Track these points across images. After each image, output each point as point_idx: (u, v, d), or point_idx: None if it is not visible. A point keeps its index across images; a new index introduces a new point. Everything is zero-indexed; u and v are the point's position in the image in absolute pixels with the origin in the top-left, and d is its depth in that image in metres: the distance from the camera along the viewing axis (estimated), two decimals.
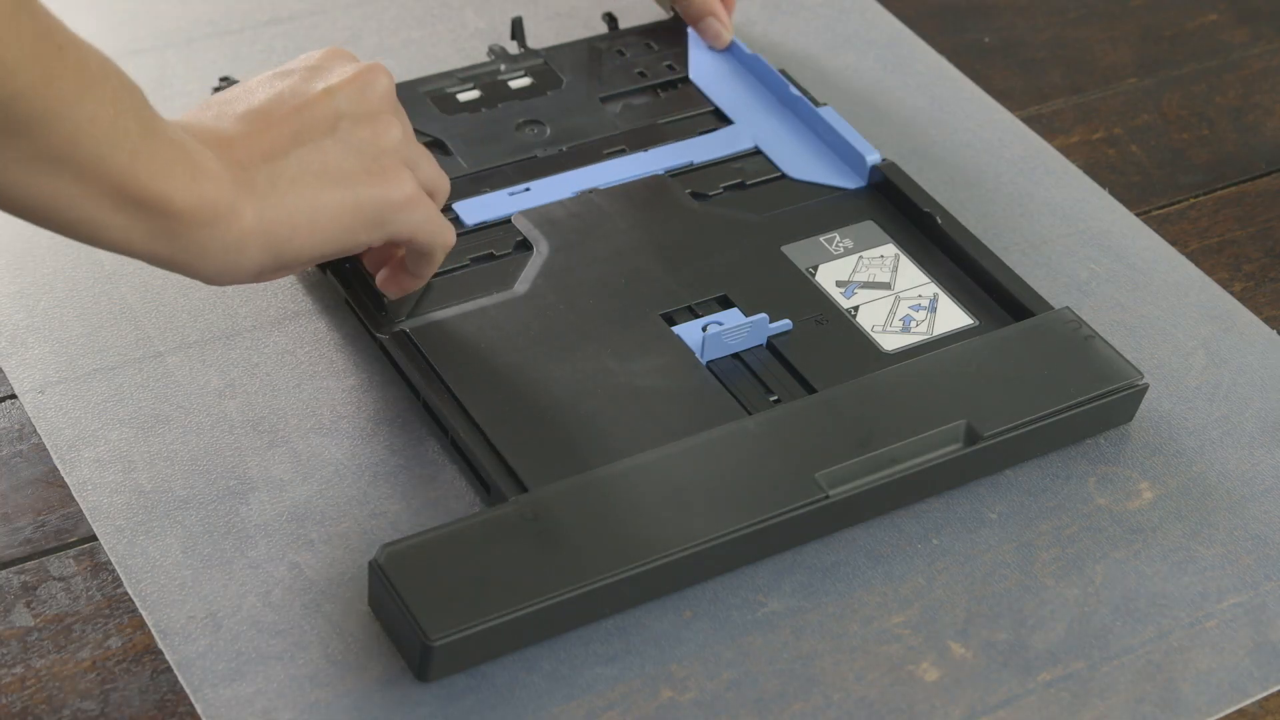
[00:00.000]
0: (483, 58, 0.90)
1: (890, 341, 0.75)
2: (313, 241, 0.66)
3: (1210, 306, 0.81)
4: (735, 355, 0.74)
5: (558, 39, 0.91)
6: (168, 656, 0.63)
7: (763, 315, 0.74)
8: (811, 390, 0.73)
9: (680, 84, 0.89)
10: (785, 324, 0.75)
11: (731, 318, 0.75)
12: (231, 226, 0.63)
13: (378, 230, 0.68)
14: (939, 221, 0.80)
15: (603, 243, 0.79)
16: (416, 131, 0.84)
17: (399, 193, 0.68)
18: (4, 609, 0.65)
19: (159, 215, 0.61)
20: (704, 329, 0.73)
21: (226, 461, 0.70)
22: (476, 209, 0.80)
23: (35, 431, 0.71)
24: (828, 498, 0.67)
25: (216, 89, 0.83)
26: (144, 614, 0.65)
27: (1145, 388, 0.73)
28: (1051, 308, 0.75)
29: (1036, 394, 0.71)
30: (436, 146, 0.84)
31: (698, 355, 0.73)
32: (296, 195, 0.65)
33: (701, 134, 0.86)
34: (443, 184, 0.72)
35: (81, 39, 0.59)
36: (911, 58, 0.94)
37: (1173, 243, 0.84)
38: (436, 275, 0.76)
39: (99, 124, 0.58)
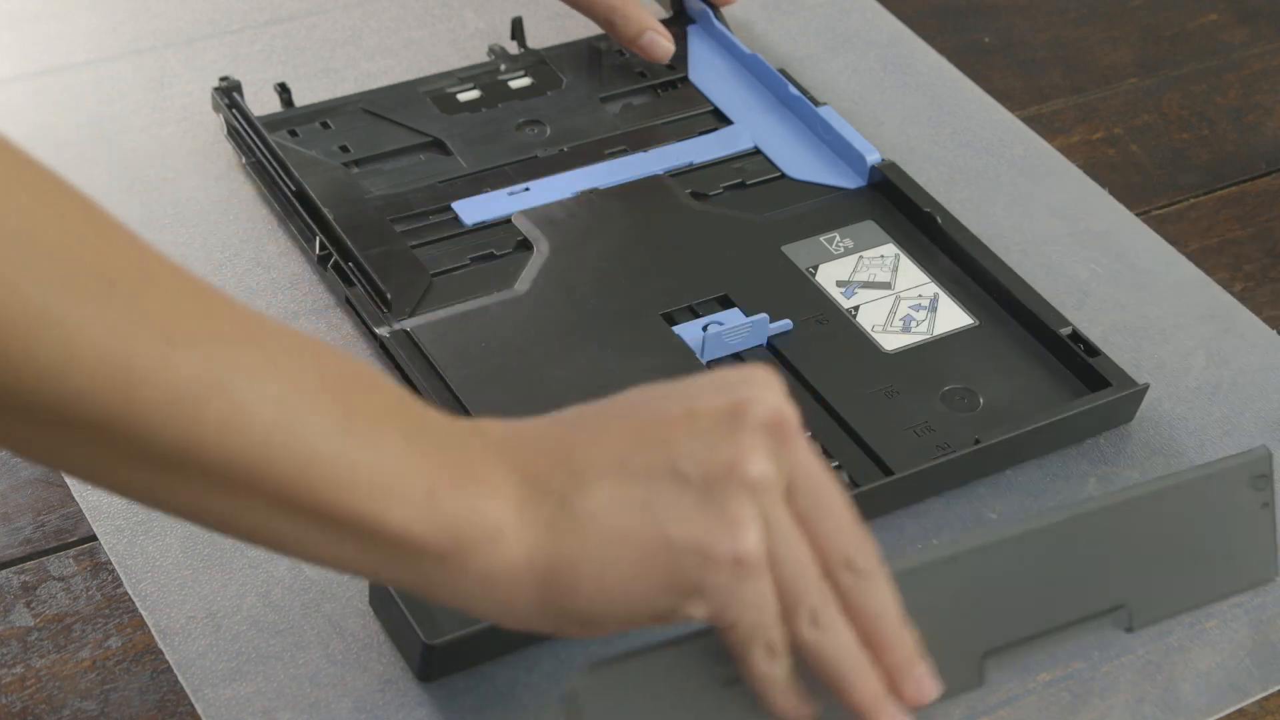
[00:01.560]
0: (483, 58, 0.90)
1: (890, 341, 0.75)
2: (601, 598, 0.50)
3: (1210, 306, 0.81)
4: (736, 355, 0.74)
5: (558, 39, 0.91)
6: (168, 656, 0.63)
7: (763, 315, 0.74)
8: (812, 390, 0.73)
9: (680, 84, 0.89)
10: (785, 324, 0.75)
11: (732, 317, 0.75)
12: (492, 559, 0.49)
13: (683, 592, 0.50)
14: (939, 221, 0.80)
15: (603, 243, 0.79)
16: (415, 131, 0.84)
17: (725, 544, 0.50)
18: (4, 609, 0.65)
19: (374, 540, 0.48)
20: (704, 328, 0.73)
21: None
22: (476, 208, 0.80)
23: None
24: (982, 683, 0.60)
25: (216, 88, 0.83)
26: (144, 614, 0.65)
27: (1145, 388, 0.73)
28: (1055, 310, 0.75)
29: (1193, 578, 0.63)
30: (436, 146, 0.84)
31: (698, 355, 0.73)
32: (595, 530, 0.50)
33: (701, 134, 0.86)
34: (802, 590, 0.51)
35: (239, 310, 0.47)
36: (911, 58, 0.94)
37: (1173, 243, 0.84)
38: (436, 274, 0.76)
39: (247, 425, 0.46)
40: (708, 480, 0.50)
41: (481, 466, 0.50)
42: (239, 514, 0.48)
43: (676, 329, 0.74)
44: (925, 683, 0.54)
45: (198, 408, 0.46)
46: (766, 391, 0.52)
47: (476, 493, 0.49)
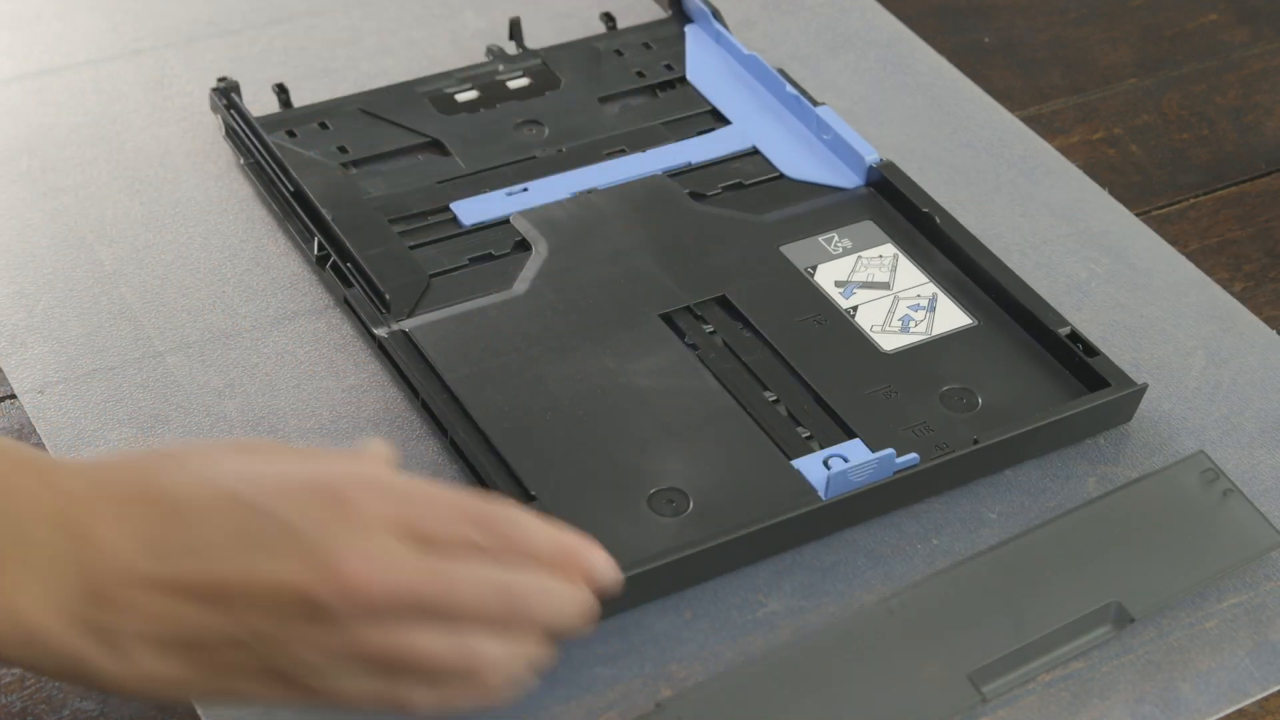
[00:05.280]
0: (482, 58, 0.90)
1: (889, 341, 0.75)
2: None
3: (1210, 306, 0.81)
4: (734, 355, 0.74)
5: (556, 39, 0.91)
6: None
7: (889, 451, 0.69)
8: (811, 390, 0.73)
9: (678, 84, 0.89)
10: (912, 458, 0.69)
11: (856, 452, 0.70)
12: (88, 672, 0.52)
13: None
14: (938, 221, 0.80)
15: (602, 243, 0.79)
16: (413, 132, 0.84)
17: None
18: None
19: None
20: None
21: None
22: (475, 209, 0.80)
23: (35, 431, 0.71)
24: (984, 699, 0.63)
25: (214, 89, 0.83)
26: None
27: (1144, 388, 0.73)
28: (1054, 310, 0.75)
29: (1185, 567, 0.67)
30: (435, 147, 0.84)
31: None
32: (152, 667, 0.52)
33: (700, 134, 0.86)
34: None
35: None
36: (911, 58, 0.94)
37: (1173, 243, 0.84)
38: (435, 275, 0.76)
39: None
40: (276, 658, 0.52)
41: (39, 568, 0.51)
42: None
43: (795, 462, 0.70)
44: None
45: None
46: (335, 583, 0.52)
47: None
